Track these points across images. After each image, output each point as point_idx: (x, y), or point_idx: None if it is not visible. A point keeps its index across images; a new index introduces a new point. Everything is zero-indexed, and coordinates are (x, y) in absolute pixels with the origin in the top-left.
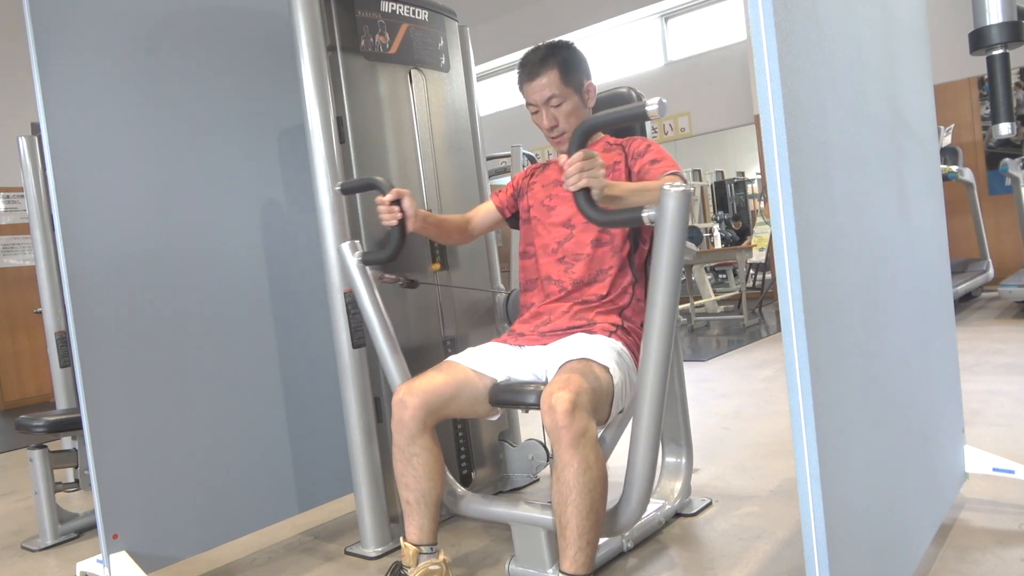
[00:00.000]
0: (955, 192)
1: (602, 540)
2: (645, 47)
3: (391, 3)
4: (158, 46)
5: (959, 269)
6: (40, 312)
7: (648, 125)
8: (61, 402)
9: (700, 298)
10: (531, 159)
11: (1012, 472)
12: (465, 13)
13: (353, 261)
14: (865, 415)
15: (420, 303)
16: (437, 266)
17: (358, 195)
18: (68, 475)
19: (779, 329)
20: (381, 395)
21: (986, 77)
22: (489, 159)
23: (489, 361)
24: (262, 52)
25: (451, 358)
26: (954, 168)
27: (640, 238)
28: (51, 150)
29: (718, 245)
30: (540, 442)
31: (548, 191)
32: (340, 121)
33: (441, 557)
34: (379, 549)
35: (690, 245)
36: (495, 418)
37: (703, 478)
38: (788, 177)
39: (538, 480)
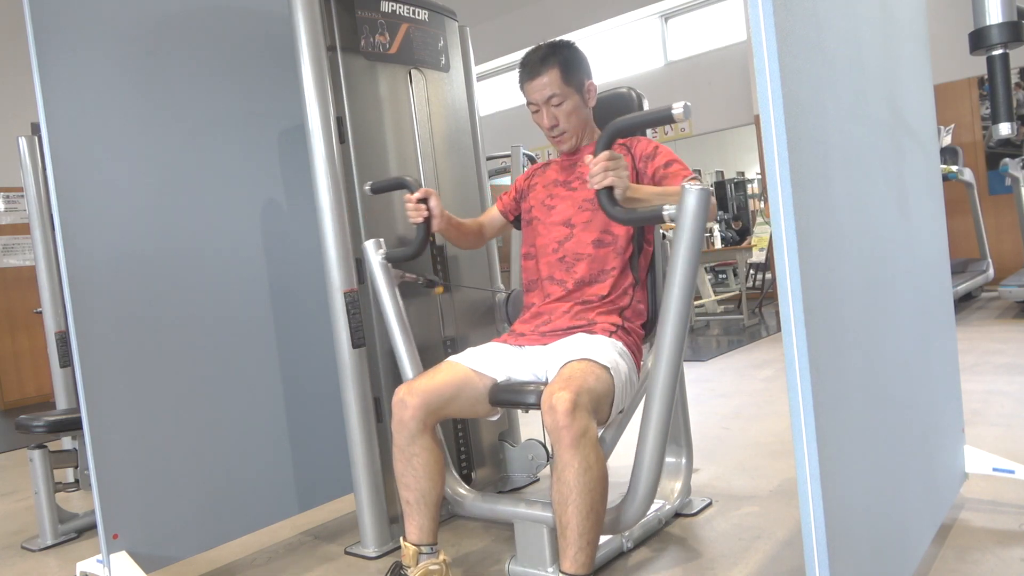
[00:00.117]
0: (955, 192)
1: (602, 540)
2: (645, 47)
3: (391, 3)
4: (158, 46)
5: (959, 269)
6: (40, 312)
7: None
8: (61, 402)
9: (700, 298)
10: (531, 159)
11: (1012, 472)
12: (465, 13)
13: (376, 259)
14: (865, 415)
15: (420, 303)
16: (440, 290)
17: (358, 196)
18: (68, 475)
19: (779, 329)
20: (381, 395)
21: (986, 77)
22: (489, 159)
23: (489, 361)
24: (262, 52)
25: (451, 358)
26: (954, 168)
27: (644, 240)
28: (51, 150)
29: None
30: (540, 442)
31: (549, 191)
32: (340, 121)
33: (441, 557)
34: (379, 549)
35: None
36: (495, 418)
37: (703, 478)
38: (788, 177)
39: (538, 480)
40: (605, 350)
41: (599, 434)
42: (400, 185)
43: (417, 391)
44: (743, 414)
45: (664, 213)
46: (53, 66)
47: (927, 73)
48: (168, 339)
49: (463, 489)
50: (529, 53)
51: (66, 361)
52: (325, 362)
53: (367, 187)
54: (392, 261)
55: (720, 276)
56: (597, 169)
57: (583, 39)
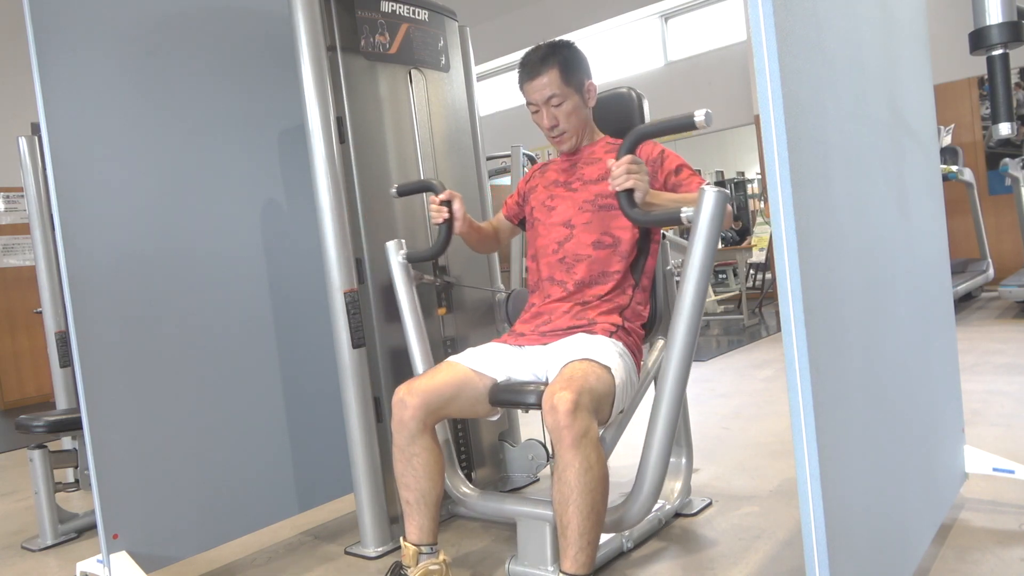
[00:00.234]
0: (955, 192)
1: (603, 540)
2: (645, 47)
3: (391, 3)
4: (158, 46)
5: (959, 269)
6: (40, 312)
7: None
8: (61, 402)
9: None
10: (531, 159)
11: (1012, 472)
12: (465, 13)
13: (397, 258)
14: (865, 415)
15: (420, 303)
16: (443, 310)
17: (358, 196)
18: (68, 475)
19: (779, 329)
20: (381, 395)
21: (986, 77)
22: (489, 159)
23: (489, 361)
24: (262, 52)
25: (451, 358)
26: (954, 168)
27: (652, 241)
28: (51, 150)
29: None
30: (540, 442)
31: (549, 191)
32: (340, 121)
33: (441, 557)
34: (379, 549)
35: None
36: (495, 418)
37: (703, 478)
38: (788, 177)
39: (538, 480)
40: (606, 350)
41: (600, 434)
42: (426, 187)
43: (417, 391)
44: (743, 414)
45: (682, 215)
46: (53, 66)
47: (927, 73)
48: (168, 339)
49: (466, 487)
50: (529, 53)
51: (66, 361)
52: (325, 362)
53: (393, 190)
54: (412, 261)
55: (720, 276)
56: (619, 171)
57: (583, 39)
